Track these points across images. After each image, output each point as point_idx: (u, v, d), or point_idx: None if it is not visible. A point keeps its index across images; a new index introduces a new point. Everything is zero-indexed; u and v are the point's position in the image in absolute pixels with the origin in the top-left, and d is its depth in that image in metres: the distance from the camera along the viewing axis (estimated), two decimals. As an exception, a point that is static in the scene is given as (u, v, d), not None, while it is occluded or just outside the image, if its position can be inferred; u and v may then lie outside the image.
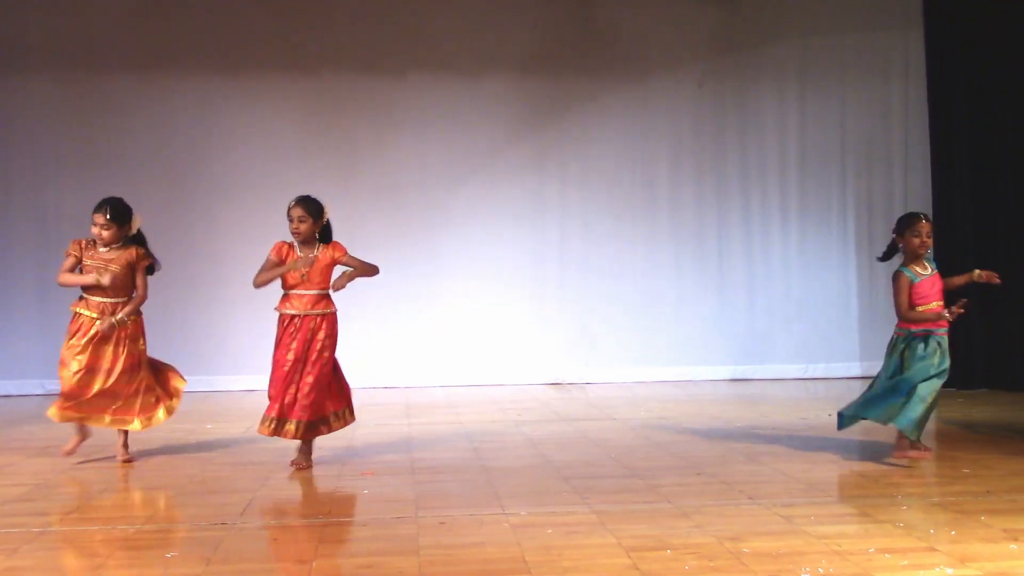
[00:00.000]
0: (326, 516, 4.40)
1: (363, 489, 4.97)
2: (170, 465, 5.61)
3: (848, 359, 10.02)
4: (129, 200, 7.98)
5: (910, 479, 5.10)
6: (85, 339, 5.51)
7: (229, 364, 9.24)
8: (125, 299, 5.59)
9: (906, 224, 5.49)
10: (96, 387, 5.51)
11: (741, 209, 10.08)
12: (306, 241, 5.47)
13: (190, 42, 9.50)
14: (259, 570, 3.62)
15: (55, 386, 9.09)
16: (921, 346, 5.36)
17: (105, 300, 5.54)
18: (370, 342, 9.48)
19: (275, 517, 4.34)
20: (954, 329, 5.57)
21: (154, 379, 5.77)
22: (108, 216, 5.52)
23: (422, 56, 9.74)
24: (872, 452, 5.70)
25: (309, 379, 5.37)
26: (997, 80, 8.89)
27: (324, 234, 5.53)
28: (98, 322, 5.50)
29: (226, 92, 9.56)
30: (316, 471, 5.41)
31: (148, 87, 9.44)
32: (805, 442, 6.09)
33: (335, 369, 5.58)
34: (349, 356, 9.31)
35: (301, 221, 5.43)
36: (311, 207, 5.45)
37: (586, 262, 9.92)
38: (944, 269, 5.80)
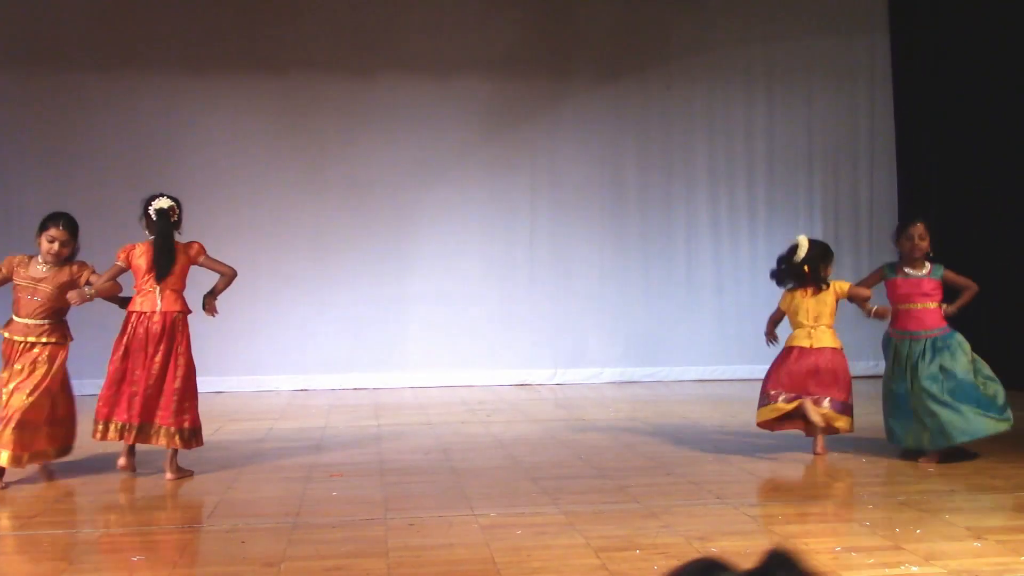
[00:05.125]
0: (294, 518, 4.37)
1: (332, 491, 4.94)
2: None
3: (814, 359, 10.09)
4: (94, 199, 7.84)
5: (875, 479, 5.16)
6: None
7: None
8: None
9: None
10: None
11: (709, 210, 10.15)
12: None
13: (156, 40, 9.40)
14: (226, 573, 3.58)
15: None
16: None
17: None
18: (339, 343, 9.45)
19: (243, 519, 4.31)
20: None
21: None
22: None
23: (391, 56, 9.70)
24: (838, 452, 5.75)
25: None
26: (962, 83, 9.01)
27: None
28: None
29: (193, 91, 9.46)
30: (285, 472, 5.37)
31: (114, 85, 9.33)
32: (772, 443, 6.13)
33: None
34: (318, 357, 9.43)
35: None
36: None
37: (556, 263, 9.93)
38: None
